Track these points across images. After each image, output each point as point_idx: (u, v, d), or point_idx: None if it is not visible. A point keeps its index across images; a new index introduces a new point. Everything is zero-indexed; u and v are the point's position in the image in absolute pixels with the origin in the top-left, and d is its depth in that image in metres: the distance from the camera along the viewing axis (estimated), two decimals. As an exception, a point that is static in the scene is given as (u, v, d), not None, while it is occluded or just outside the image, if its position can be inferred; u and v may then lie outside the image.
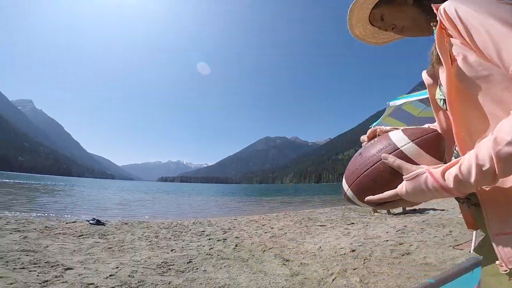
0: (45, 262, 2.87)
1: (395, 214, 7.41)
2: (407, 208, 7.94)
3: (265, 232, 5.25)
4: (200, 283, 2.56)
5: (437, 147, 0.55)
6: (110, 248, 3.73)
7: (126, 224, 6.03)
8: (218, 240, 4.53)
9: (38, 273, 2.56)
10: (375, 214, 7.46)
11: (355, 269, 2.93)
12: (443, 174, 0.45)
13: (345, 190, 0.61)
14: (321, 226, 5.90)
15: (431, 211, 7.48)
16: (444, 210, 7.53)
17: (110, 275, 2.63)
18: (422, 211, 7.66)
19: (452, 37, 0.53)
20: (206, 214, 10.44)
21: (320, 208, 10.88)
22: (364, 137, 0.70)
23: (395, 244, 3.97)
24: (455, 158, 0.62)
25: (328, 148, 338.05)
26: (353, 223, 6.01)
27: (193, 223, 6.55)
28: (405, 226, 5.28)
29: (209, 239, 4.62)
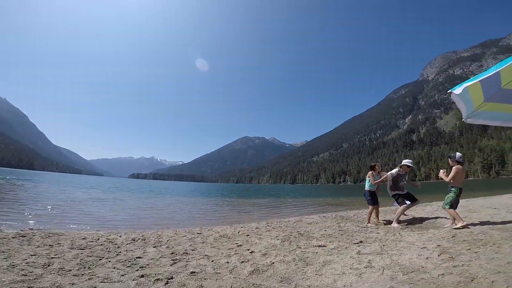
0: None
1: (403, 224, 5.94)
2: (404, 218, 6.52)
3: (242, 262, 3.41)
4: None
5: None
6: None
7: (24, 237, 3.89)
8: (157, 280, 2.61)
9: None
10: (377, 225, 5.94)
11: None
12: None
13: None
14: (319, 247, 4.18)
15: (438, 220, 6.12)
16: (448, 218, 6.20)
17: None
18: (421, 220, 6.27)
19: None
20: (164, 222, 8.36)
21: (306, 215, 9.27)
22: None
23: (458, 280, 2.35)
24: None
25: (304, 150, 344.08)
26: (361, 242, 4.36)
27: (132, 239, 4.55)
28: (439, 245, 3.73)
29: (141, 276, 2.69)
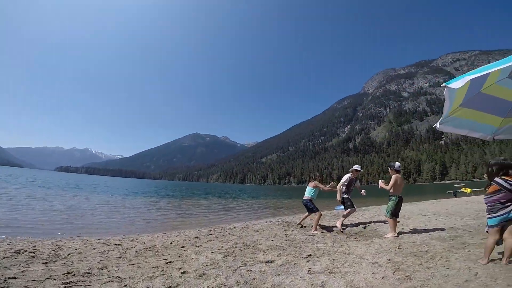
0: None
1: (343, 227, 5.87)
2: (343, 225, 6.55)
3: (167, 290, 2.62)
4: None
5: None
6: None
7: None
8: None
9: None
10: (322, 233, 5.76)
11: None
12: None
13: None
14: (267, 263, 3.64)
15: (378, 227, 6.30)
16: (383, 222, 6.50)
17: None
18: (363, 226, 6.42)
19: None
20: (79, 227, 6.85)
21: (254, 220, 8.79)
22: None
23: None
24: None
25: (255, 151, 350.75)
26: (311, 255, 3.98)
27: (16, 252, 3.44)
28: (389, 259, 3.56)
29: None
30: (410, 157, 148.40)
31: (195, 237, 5.38)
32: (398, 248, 4.17)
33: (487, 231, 3.26)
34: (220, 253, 4.12)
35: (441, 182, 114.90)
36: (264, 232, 5.93)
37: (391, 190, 5.12)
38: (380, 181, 5.40)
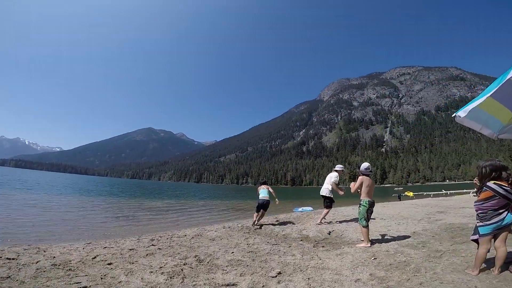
0: None
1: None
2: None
3: None
4: None
5: None
6: None
7: None
8: None
9: None
10: (292, 245, 5.13)
11: None
12: None
13: None
14: (228, 287, 2.79)
15: (343, 232, 5.97)
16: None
17: None
18: (328, 231, 6.06)
19: None
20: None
21: (210, 225, 7.79)
22: None
23: None
24: None
25: (213, 150, 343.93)
26: (280, 273, 3.24)
27: None
28: (371, 274, 3.01)
29: None
30: (356, 162, 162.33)
31: (131, 249, 4.21)
32: (374, 258, 3.71)
33: (475, 240, 2.94)
34: (162, 273, 3.11)
35: (381, 185, 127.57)
36: (222, 241, 5.03)
37: (360, 194, 4.71)
38: (351, 183, 4.98)
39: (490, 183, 2.76)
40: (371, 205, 4.68)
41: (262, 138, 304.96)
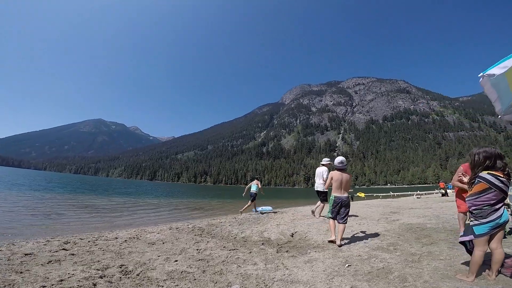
0: None
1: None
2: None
3: None
4: None
5: None
6: None
7: None
8: None
9: None
10: (253, 250, 4.38)
11: None
12: None
13: None
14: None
15: (307, 234, 5.46)
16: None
17: None
18: (290, 233, 5.52)
19: None
20: None
21: (153, 224, 6.59)
22: None
23: None
24: None
25: (169, 146, 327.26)
26: (237, 289, 2.44)
27: None
28: (352, 286, 2.41)
29: None
30: (311, 165, 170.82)
31: (27, 254, 2.98)
32: (348, 265, 3.15)
33: (464, 242, 2.54)
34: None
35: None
36: (165, 246, 4.01)
37: (333, 191, 4.45)
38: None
39: (485, 174, 2.36)
40: (338, 202, 4.32)
41: (224, 137, 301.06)
